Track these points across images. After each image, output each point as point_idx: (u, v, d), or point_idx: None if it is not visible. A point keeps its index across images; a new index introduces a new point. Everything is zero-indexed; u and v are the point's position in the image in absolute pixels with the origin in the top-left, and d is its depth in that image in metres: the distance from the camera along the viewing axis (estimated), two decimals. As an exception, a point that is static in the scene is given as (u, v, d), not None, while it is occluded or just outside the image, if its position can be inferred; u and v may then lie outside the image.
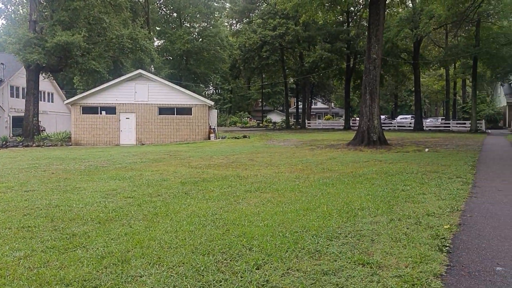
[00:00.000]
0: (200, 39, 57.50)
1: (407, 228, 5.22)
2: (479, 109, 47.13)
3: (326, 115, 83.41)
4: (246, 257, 4.25)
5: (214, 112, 32.73)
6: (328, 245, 4.61)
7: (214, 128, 30.30)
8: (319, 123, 58.58)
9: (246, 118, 78.77)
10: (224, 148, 21.02)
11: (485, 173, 10.48)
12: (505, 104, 52.55)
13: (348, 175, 10.37)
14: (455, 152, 16.33)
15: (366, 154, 16.29)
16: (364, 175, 10.32)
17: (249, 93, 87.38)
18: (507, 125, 50.45)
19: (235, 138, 29.58)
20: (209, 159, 15.55)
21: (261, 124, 63.52)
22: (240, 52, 47.34)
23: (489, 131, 40.85)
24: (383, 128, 45.63)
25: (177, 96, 29.44)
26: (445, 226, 5.26)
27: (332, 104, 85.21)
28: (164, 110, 29.38)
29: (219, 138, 29.87)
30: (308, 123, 56.20)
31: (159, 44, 60.42)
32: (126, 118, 28.97)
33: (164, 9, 60.60)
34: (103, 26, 30.88)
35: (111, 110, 28.94)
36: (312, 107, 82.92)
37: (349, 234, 5.02)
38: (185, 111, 29.43)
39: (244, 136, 29.22)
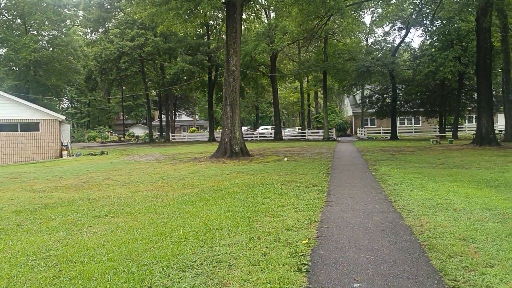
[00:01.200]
0: (51, 48, 52.43)
1: (267, 247, 4.91)
2: (330, 119, 51.54)
3: (191, 127, 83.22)
4: (76, 308, 3.43)
5: (67, 127, 29.84)
6: (180, 278, 4.02)
7: (67, 145, 27.53)
8: (184, 136, 57.91)
9: (107, 133, 74.31)
10: (77, 167, 19.05)
11: (338, 180, 11.02)
12: (351, 114, 58.60)
13: (210, 190, 9.96)
14: (311, 161, 17.19)
15: (228, 166, 16.17)
16: (226, 189, 10.01)
17: (109, 106, 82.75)
18: (353, 133, 56.22)
19: (92, 154, 27.28)
20: (57, 180, 13.79)
21: (122, 139, 60.34)
22: (96, 63, 44.31)
23: (339, 138, 44.89)
24: (246, 139, 47.02)
25: (21, 110, 26.05)
26: (304, 241, 5.09)
27: (197, 116, 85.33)
28: (5, 127, 25.73)
29: (73, 156, 27.22)
30: (173, 136, 55.13)
31: (1, 52, 53.49)
32: (-45, 137, 24.60)
33: (5, 14, 53.88)
34: None
35: None
36: (176, 119, 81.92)
37: (205, 261, 4.51)
38: (31, 127, 26.19)
39: (102, 152, 27.10)
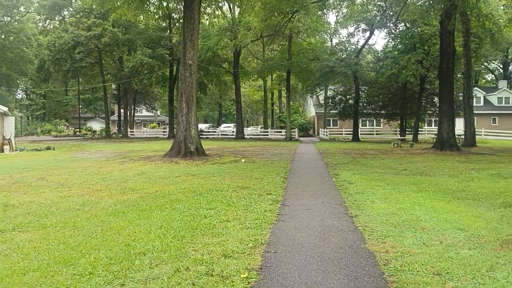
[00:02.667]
0: (2, 36, 49.23)
1: (193, 284, 3.83)
2: (293, 118, 50.97)
3: (152, 123, 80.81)
4: None
5: (11, 120, 27.60)
6: None
7: (9, 139, 25.38)
8: (144, 132, 55.91)
9: (63, 126, 71.03)
10: (16, 163, 17.28)
11: (295, 187, 10.07)
12: (314, 114, 58.34)
13: (151, 196, 8.77)
14: (270, 163, 16.23)
15: (180, 167, 14.95)
16: (169, 195, 8.85)
17: (67, 99, 79.15)
18: (316, 133, 55.95)
19: (36, 150, 25.26)
20: (-18, 180, 12.16)
21: (78, 133, 57.57)
22: (49, 52, 41.77)
23: (302, 139, 44.34)
24: (207, 137, 45.71)
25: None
26: (243, 275, 4.04)
27: (158, 112, 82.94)
28: None
29: (16, 151, 25.12)
30: (131, 131, 53.02)
31: None
32: None
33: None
34: None
35: None
36: (137, 115, 79.35)
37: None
38: (-32, 118, 23.94)
39: (48, 148, 25.15)
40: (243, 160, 16.84)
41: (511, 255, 4.57)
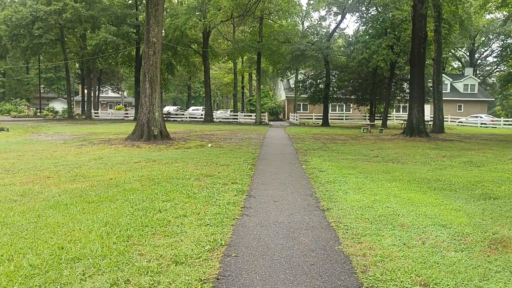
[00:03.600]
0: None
1: (132, 304, 3.10)
2: (263, 102, 50.27)
3: (118, 104, 78.42)
4: None
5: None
6: None
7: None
8: (109, 113, 53.98)
9: (23, 106, 67.90)
10: (-39, 146, 15.90)
11: (263, 175, 9.41)
12: (285, 98, 57.82)
13: (103, 185, 7.90)
14: (238, 148, 15.50)
15: (141, 151, 14.03)
16: (124, 184, 8.01)
17: (28, 78, 75.63)
18: (286, 117, 55.52)
19: (-12, 131, 23.61)
20: None
21: (39, 114, 55.00)
22: (6, 28, 39.17)
23: (272, 123, 43.77)
24: (174, 119, 44.50)
25: None
26: (194, 289, 3.33)
27: (125, 93, 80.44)
28: None
29: (-35, 132, 23.39)
30: (95, 113, 51.01)
31: None
32: None
33: None
34: None
35: None
36: (103, 95, 76.81)
37: None
38: None
39: (1, 129, 23.53)
40: (209, 145, 16.05)
41: (504, 259, 4.04)
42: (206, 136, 21.62)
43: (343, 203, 6.49)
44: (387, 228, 5.16)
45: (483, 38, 62.22)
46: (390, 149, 15.66)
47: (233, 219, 5.47)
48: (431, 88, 30.35)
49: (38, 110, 58.68)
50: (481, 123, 42.23)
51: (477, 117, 44.76)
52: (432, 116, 28.73)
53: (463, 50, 65.79)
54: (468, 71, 58.86)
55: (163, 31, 25.20)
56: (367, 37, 35.13)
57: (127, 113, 52.01)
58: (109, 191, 7.27)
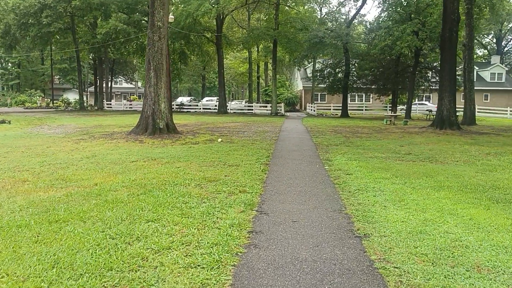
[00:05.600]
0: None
1: None
2: (279, 92, 48.50)
3: (133, 95, 77.55)
4: None
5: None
6: None
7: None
8: (124, 104, 52.95)
9: (38, 97, 67.56)
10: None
11: (277, 179, 7.83)
12: (301, 88, 55.91)
13: (83, 193, 6.43)
14: (250, 143, 13.93)
15: (143, 147, 12.57)
16: (108, 192, 6.52)
17: (43, 68, 75.26)
18: (303, 108, 53.66)
19: (-12, 124, 22.50)
20: None
21: (51, 105, 54.29)
22: (14, 16, 38.16)
23: (288, 114, 42.04)
24: (188, 110, 43.14)
25: None
26: None
27: (140, 83, 79.44)
28: None
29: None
30: (108, 104, 50.02)
31: None
32: None
33: None
34: None
35: None
36: (117, 86, 76.08)
37: None
38: None
39: (3, 121, 22.39)
40: (219, 140, 14.50)
41: None
42: (218, 129, 20.10)
43: (385, 225, 4.87)
44: (458, 273, 3.53)
45: (511, 25, 59.08)
46: (423, 145, 13.88)
47: (236, 255, 3.91)
48: (460, 77, 28.21)
49: (51, 101, 57.97)
50: (427, 110, 42.33)
51: (422, 104, 46.36)
52: (462, 106, 26.63)
53: (489, 37, 62.68)
54: (495, 59, 55.91)
55: (172, 16, 23.66)
56: (390, 22, 32.97)
57: (131, 105, 50.94)
58: (86, 204, 5.79)
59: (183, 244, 4.16)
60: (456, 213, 5.46)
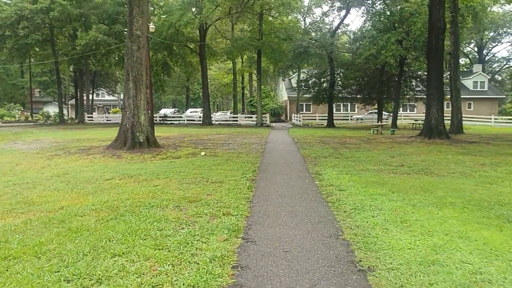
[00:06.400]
0: None
1: None
2: (264, 103, 48.00)
3: (115, 107, 76.23)
4: None
5: None
6: None
7: None
8: (104, 117, 51.75)
9: (17, 111, 66.01)
10: None
11: (265, 198, 7.15)
12: (287, 99, 55.53)
13: (44, 219, 5.66)
14: (235, 156, 13.23)
15: (120, 163, 11.77)
16: (74, 217, 5.77)
17: (23, 82, 73.59)
18: (288, 118, 53.23)
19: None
20: None
21: (30, 119, 52.86)
22: (-9, 28, 37.03)
23: (273, 124, 41.51)
24: (172, 122, 42.26)
25: None
26: None
27: (122, 95, 78.13)
28: None
29: None
30: (89, 117, 48.91)
31: None
32: None
33: None
34: None
35: None
36: (99, 99, 74.85)
37: None
38: None
39: (-25, 137, 21.30)
40: (202, 153, 13.77)
41: None
42: (201, 141, 19.36)
43: (391, 254, 4.22)
44: (489, 321, 2.89)
45: (492, 33, 59.82)
46: (414, 156, 13.36)
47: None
48: (446, 85, 28.02)
49: (30, 115, 56.50)
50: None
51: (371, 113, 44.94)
52: (449, 115, 26.33)
53: (471, 46, 63.37)
54: (477, 67, 56.37)
55: (153, 26, 22.95)
56: (374, 32, 32.80)
57: (108, 117, 49.89)
58: (45, 233, 5.03)
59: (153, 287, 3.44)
60: (467, 236, 4.85)
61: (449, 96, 26.11)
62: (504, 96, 59.77)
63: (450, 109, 26.18)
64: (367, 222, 5.49)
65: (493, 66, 67.53)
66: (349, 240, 4.75)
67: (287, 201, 6.89)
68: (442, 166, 10.97)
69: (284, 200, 6.93)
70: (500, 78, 67.12)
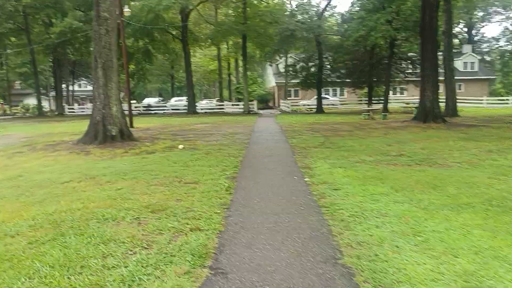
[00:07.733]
0: None
1: None
2: (251, 89, 46.59)
3: (99, 98, 74.22)
4: None
5: None
6: None
7: None
8: (85, 108, 49.89)
9: (-4, 104, 63.76)
10: None
11: (245, 204, 5.97)
12: (274, 84, 54.15)
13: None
14: (217, 149, 12.00)
15: (86, 161, 10.47)
16: (6, 237, 4.56)
17: (1, 73, 71.12)
18: (276, 105, 51.95)
19: None
20: None
21: (8, 112, 50.91)
22: (-40, 17, 34.97)
23: (261, 111, 40.21)
24: (156, 112, 40.71)
25: None
26: None
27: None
28: None
29: None
30: (70, 108, 47.10)
31: None
32: None
33: None
34: None
35: None
36: (81, 89, 72.65)
37: None
38: None
39: None
40: (180, 147, 12.51)
41: None
42: (183, 132, 18.07)
43: (410, 291, 3.07)
44: None
45: (481, 13, 58.78)
46: (412, 143, 12.27)
47: None
48: (443, 65, 26.87)
49: (9, 108, 54.48)
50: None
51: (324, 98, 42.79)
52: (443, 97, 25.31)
53: (460, 27, 62.27)
54: (467, 48, 55.41)
55: (128, 10, 21.43)
56: (363, 12, 31.51)
57: (82, 108, 48.08)
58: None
59: None
60: (504, 256, 3.72)
61: (442, 78, 25.04)
62: (495, 77, 59.03)
63: (443, 91, 25.16)
64: (371, 236, 4.34)
65: (482, 47, 66.65)
66: (351, 267, 3.60)
67: (271, 206, 5.71)
68: (445, 154, 9.89)
69: (268, 206, 5.75)
70: (489, 58, 66.32)
